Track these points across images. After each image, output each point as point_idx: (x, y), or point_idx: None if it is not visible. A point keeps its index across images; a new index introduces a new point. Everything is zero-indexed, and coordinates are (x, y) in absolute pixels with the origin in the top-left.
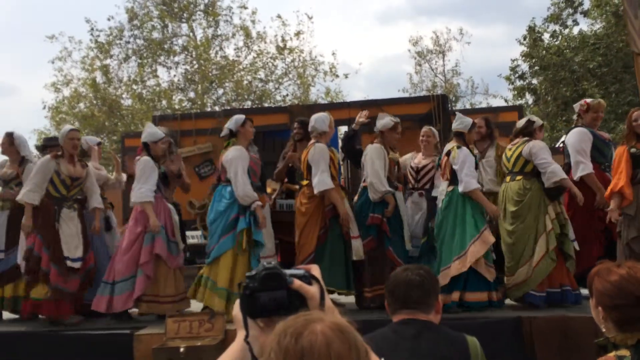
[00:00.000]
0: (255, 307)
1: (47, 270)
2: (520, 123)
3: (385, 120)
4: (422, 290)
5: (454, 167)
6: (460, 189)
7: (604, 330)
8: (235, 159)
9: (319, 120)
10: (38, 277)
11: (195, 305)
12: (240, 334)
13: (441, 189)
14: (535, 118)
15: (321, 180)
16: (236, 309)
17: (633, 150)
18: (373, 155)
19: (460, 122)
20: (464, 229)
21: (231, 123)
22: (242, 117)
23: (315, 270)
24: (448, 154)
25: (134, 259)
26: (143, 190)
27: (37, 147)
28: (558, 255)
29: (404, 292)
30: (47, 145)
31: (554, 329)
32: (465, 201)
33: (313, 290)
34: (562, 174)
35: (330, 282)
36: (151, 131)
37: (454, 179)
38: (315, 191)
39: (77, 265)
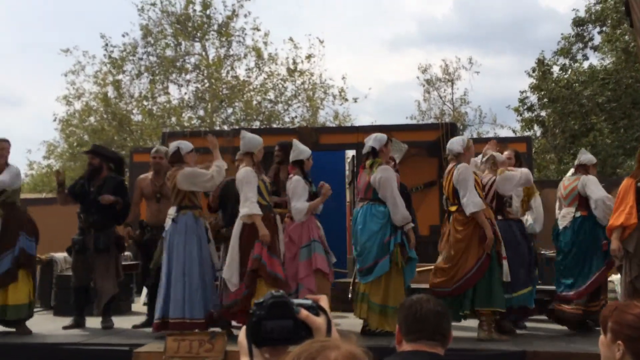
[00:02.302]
0: (260, 334)
1: (278, 275)
2: None
3: (590, 156)
4: (448, 323)
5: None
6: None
7: None
8: (389, 180)
9: (454, 142)
10: (255, 286)
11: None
12: None
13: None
14: None
15: (471, 201)
16: (242, 336)
17: None
18: (595, 180)
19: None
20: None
21: (375, 141)
22: (384, 136)
23: (323, 301)
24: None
25: (293, 276)
26: (297, 206)
27: (87, 153)
28: None
29: (434, 324)
30: (97, 152)
31: None
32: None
33: (320, 321)
34: None
35: (497, 303)
36: (302, 149)
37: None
38: (467, 212)
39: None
